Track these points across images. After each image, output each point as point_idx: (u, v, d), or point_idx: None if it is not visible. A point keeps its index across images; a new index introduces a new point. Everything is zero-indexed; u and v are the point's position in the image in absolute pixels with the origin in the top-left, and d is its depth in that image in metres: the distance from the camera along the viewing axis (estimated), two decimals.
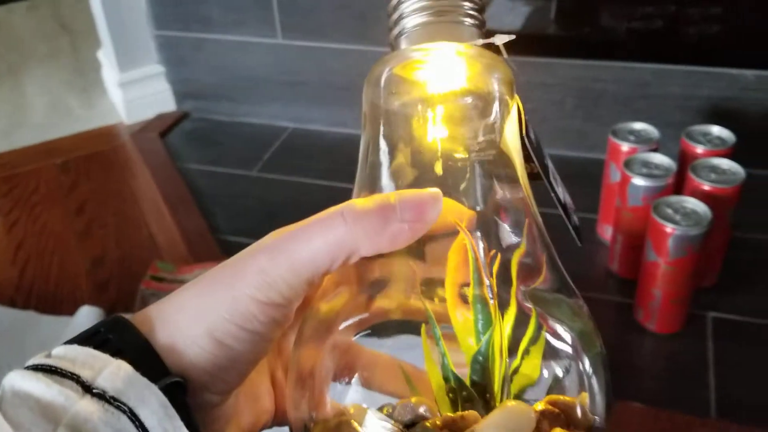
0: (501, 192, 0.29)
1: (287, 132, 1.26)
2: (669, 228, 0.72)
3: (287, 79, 1.22)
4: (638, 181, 0.80)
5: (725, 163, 0.80)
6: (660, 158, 0.82)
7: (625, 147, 0.85)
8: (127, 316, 0.29)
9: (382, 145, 0.30)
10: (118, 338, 0.27)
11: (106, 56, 1.38)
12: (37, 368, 0.26)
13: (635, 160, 0.82)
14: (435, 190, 0.27)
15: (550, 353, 0.28)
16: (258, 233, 0.29)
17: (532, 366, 0.28)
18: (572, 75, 1.06)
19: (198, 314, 0.27)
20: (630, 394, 0.72)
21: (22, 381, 0.26)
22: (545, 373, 0.28)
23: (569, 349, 0.28)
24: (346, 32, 1.14)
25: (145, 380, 0.26)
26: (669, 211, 0.75)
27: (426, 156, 0.29)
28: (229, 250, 0.94)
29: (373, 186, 0.29)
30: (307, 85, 1.22)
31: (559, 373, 0.28)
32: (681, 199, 0.76)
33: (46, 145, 1.32)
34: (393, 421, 0.27)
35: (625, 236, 0.84)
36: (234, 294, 0.27)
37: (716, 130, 0.86)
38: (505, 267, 0.28)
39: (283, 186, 1.12)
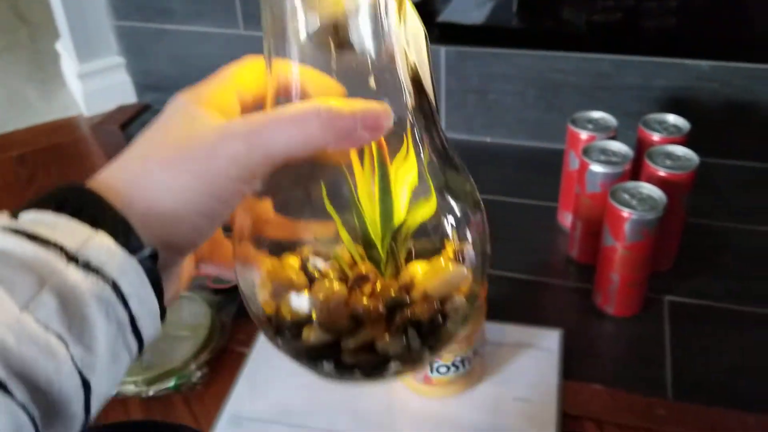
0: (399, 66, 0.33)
1: None
2: (625, 213, 0.74)
3: None
4: (596, 168, 0.81)
5: (680, 150, 0.81)
6: (617, 146, 0.83)
7: (583, 135, 0.86)
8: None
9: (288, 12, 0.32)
10: (94, 209, 0.29)
11: (64, 47, 1.35)
12: (11, 230, 0.27)
13: (593, 148, 0.83)
14: (388, 107, 0.31)
15: (446, 208, 0.35)
16: None
17: (429, 206, 0.34)
18: (533, 66, 1.07)
19: (176, 189, 0.30)
20: (589, 376, 0.73)
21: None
22: (449, 230, 0.35)
23: (460, 206, 0.35)
24: None
25: (125, 253, 0.28)
26: (626, 196, 0.76)
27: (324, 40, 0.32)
28: None
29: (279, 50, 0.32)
30: None
31: (455, 223, 0.35)
32: (637, 184, 0.77)
33: (2, 138, 1.29)
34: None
35: (584, 223, 0.85)
36: (211, 176, 0.30)
37: (672, 118, 0.87)
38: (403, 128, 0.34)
39: None
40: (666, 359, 0.75)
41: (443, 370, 0.69)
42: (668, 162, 0.80)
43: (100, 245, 0.27)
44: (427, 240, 0.36)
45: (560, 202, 0.95)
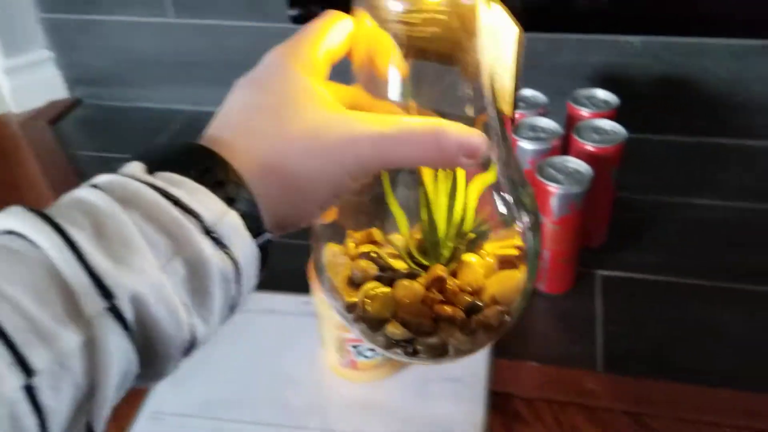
0: (480, 98, 0.37)
1: (184, 115, 1.22)
2: (552, 187, 0.73)
3: (182, 60, 1.18)
4: (525, 145, 0.80)
5: (607, 124, 0.81)
6: (546, 122, 0.83)
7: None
8: (214, 145, 0.32)
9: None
10: (230, 188, 0.30)
11: None
12: (159, 190, 0.29)
13: (522, 125, 0.83)
14: (485, 137, 0.34)
15: (513, 216, 0.39)
16: None
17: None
18: None
19: (306, 178, 0.32)
20: (521, 354, 0.73)
21: (145, 190, 0.28)
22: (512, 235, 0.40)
23: (524, 214, 0.40)
24: (241, 8, 1.12)
25: (249, 236, 0.30)
26: (552, 171, 0.75)
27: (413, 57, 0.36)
28: None
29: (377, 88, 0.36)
30: (204, 66, 1.18)
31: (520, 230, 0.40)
32: (564, 159, 0.76)
33: None
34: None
35: None
36: (337, 178, 0.32)
37: (601, 93, 0.87)
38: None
39: None
40: (597, 334, 0.75)
41: (369, 354, 0.67)
42: (596, 136, 0.80)
43: (232, 224, 0.30)
44: (489, 241, 0.40)
45: None
